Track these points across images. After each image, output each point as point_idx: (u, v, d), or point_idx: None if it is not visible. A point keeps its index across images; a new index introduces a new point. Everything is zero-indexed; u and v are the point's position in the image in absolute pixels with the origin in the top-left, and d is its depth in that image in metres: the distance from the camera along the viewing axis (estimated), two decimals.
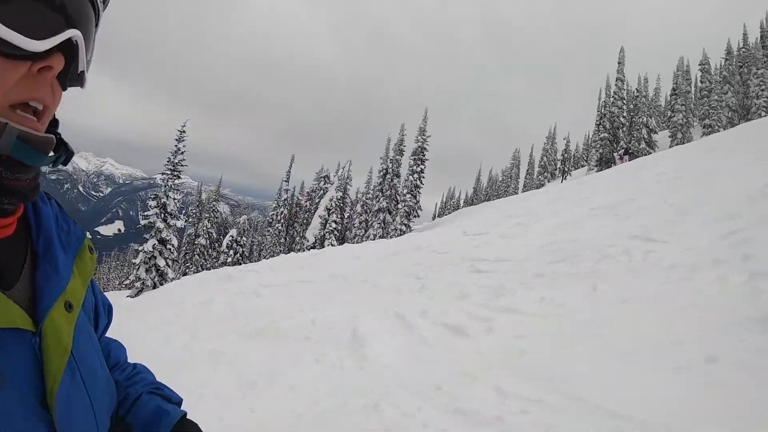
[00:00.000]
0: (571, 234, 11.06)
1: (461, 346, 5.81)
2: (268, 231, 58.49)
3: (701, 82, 54.52)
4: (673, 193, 12.56)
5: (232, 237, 48.60)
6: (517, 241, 12.10)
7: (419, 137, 43.07)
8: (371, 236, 40.86)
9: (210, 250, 52.10)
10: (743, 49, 55.97)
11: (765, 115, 41.91)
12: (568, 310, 6.30)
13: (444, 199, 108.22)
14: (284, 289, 9.97)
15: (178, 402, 1.35)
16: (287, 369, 5.74)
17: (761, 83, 47.05)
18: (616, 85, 53.47)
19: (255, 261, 50.76)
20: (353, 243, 34.30)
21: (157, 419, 1.23)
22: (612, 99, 53.46)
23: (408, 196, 41.16)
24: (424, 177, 42.56)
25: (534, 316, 6.39)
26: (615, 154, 47.77)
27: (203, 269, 48.23)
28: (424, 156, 42.70)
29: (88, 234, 1.07)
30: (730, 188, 10.73)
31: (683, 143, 45.69)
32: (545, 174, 75.49)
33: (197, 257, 50.93)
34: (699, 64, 55.70)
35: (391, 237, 36.71)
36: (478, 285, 8.53)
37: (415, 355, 5.76)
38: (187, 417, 1.31)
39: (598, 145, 53.54)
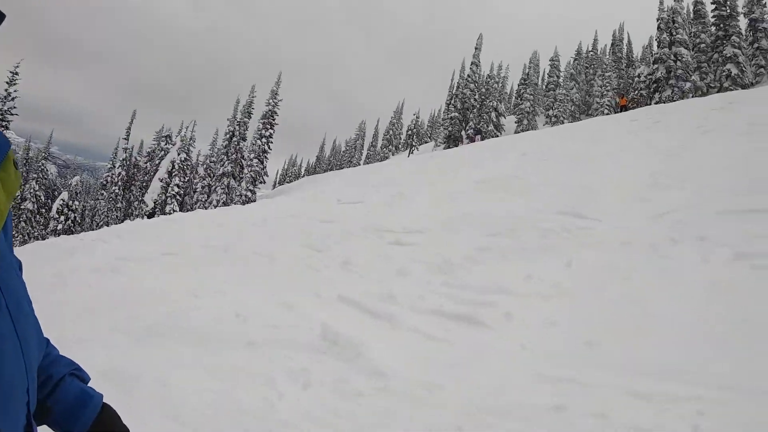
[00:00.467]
0: (474, 207, 10.78)
1: (493, 343, 4.70)
2: (102, 194, 52.94)
3: (549, 76, 61.83)
4: (554, 173, 12.99)
5: (64, 201, 42.91)
6: (410, 211, 11.61)
7: (271, 100, 42.20)
8: (214, 202, 38.72)
9: (38, 216, 45.89)
10: (592, 53, 64.86)
11: (608, 113, 47.04)
12: (569, 289, 5.77)
13: (285, 167, 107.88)
14: (153, 264, 7.99)
15: (88, 380, 1.23)
16: (265, 403, 3.71)
17: (606, 84, 54.76)
18: (470, 68, 57.77)
19: (88, 228, 45.81)
20: (197, 209, 32.16)
21: (81, 404, 1.14)
22: (465, 81, 57.75)
23: (255, 160, 39.97)
24: (272, 142, 41.43)
25: (537, 296, 5.72)
26: (463, 133, 51.26)
27: (31, 238, 42.22)
28: (274, 120, 42.03)
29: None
30: (617, 173, 11.41)
31: (528, 129, 50.35)
32: (390, 147, 78.08)
33: (23, 224, 44.24)
34: (549, 60, 64.16)
35: (236, 203, 35.03)
36: (415, 260, 7.73)
37: (449, 361, 4.39)
38: (104, 401, 1.20)
39: (447, 124, 57.70)
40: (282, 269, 7.66)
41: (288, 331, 5.00)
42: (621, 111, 33.29)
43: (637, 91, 42.10)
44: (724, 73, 37.41)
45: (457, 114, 56.23)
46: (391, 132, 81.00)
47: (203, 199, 42.55)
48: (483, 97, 56.34)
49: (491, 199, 11.38)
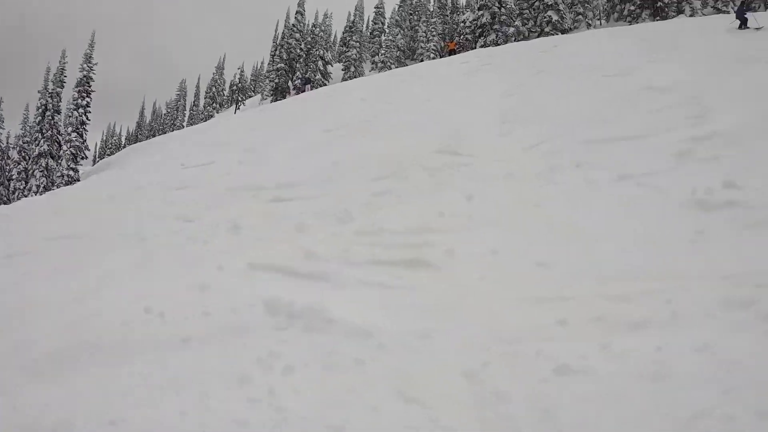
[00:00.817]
0: (341, 154, 10.34)
1: (452, 280, 4.69)
2: None
3: (374, 23, 63.17)
4: (404, 115, 13.13)
5: None
6: (271, 167, 10.67)
7: (85, 65, 38.07)
8: (34, 188, 34.67)
9: None
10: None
11: (434, 57, 49.67)
12: (488, 221, 5.95)
13: (104, 138, 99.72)
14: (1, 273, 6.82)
15: None
16: (260, 408, 3.17)
17: (432, 30, 58.07)
18: (295, 18, 58.52)
19: None
20: (18, 199, 28.87)
21: None
22: (291, 31, 58.40)
23: (73, 135, 36.05)
24: (90, 112, 37.78)
25: (461, 230, 5.80)
26: (290, 84, 51.13)
27: None
28: (90, 87, 37.96)
29: None
30: (467, 112, 11.84)
31: (356, 76, 51.86)
32: (213, 105, 75.45)
33: None
34: (375, 7, 67.47)
35: (57, 186, 31.75)
36: (309, 214, 7.28)
37: (423, 306, 4.26)
38: None
39: (274, 75, 57.41)
40: (161, 247, 6.80)
41: (223, 315, 4.34)
42: (449, 54, 34.72)
43: (462, 36, 44.77)
44: (545, 19, 41.60)
45: (283, 65, 56.14)
46: (213, 89, 77.60)
47: (21, 187, 38.14)
48: (309, 46, 56.53)
49: (354, 145, 11.21)
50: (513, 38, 38.59)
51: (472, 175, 7.76)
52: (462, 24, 46.90)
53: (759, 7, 17.00)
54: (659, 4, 39.27)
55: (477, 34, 42.31)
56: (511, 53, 20.00)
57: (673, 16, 36.85)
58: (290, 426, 2.95)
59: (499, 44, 34.98)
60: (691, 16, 37.57)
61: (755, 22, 16.33)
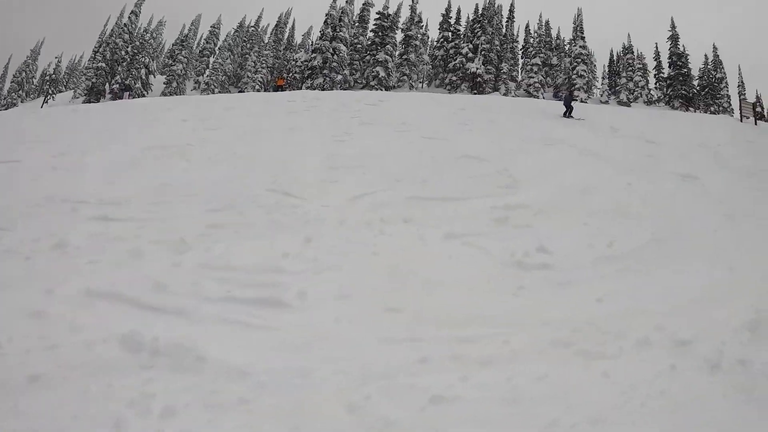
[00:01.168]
0: (167, 176, 9.43)
1: (310, 321, 4.71)
2: None
3: (207, 42, 62.80)
4: (231, 144, 12.67)
5: None
6: (88, 177, 9.31)
7: None
8: None
9: None
10: (253, 28, 66.27)
11: (258, 89, 50.14)
12: (331, 265, 6.03)
13: None
14: None
15: None
16: None
17: (263, 62, 57.75)
18: (129, 17, 54.15)
19: None
20: None
21: None
22: (120, 30, 53.73)
23: None
24: None
25: (310, 273, 5.79)
26: (107, 86, 48.11)
27: None
28: None
29: None
30: (295, 150, 11.90)
31: (177, 93, 50.98)
32: (20, 92, 67.04)
33: None
34: (211, 26, 63.76)
35: None
36: (142, 239, 6.61)
37: (291, 345, 4.27)
38: None
39: (92, 74, 52.68)
40: None
41: (73, 349, 3.80)
42: (276, 90, 34.75)
43: (291, 74, 45.48)
44: (373, 74, 44.16)
45: (104, 65, 51.25)
46: (24, 74, 68.72)
47: None
48: (136, 50, 52.83)
49: (179, 168, 10.41)
50: (339, 85, 39.98)
51: (306, 217, 7.66)
52: (293, 62, 47.93)
53: (562, 95, 19.57)
54: (478, 80, 43.48)
55: (306, 75, 43.36)
56: (337, 100, 20.32)
57: (489, 92, 40.84)
58: None
59: (325, 89, 35.90)
60: (504, 95, 41.88)
61: (576, 114, 18.58)
